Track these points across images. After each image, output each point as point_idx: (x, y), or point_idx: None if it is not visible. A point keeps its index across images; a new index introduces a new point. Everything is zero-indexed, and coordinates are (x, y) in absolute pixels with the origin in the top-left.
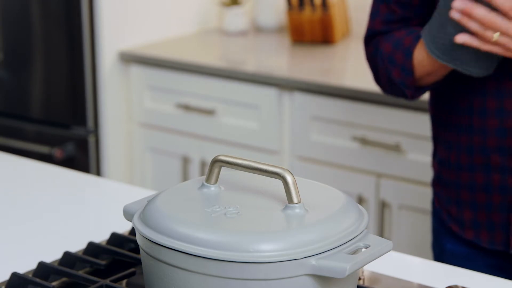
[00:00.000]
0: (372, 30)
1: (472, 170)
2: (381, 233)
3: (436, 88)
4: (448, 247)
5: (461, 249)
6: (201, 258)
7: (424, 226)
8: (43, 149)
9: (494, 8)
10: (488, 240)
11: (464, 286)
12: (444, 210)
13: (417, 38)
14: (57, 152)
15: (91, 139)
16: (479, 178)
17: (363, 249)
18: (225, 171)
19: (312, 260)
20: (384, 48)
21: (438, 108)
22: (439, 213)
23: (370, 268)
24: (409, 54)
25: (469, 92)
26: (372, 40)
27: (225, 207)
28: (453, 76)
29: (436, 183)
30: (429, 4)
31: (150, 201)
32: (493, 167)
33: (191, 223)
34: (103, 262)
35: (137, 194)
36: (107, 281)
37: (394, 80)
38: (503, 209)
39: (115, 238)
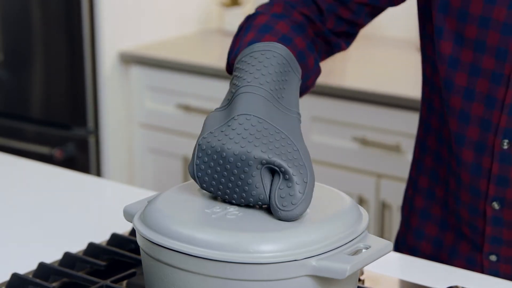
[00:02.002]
0: None
1: (444, 227)
2: (381, 234)
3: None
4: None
5: None
6: (201, 259)
7: None
8: (43, 149)
9: None
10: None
11: (464, 286)
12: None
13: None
14: (57, 153)
15: (91, 140)
16: (449, 238)
17: (364, 250)
18: None
19: (313, 261)
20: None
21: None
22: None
23: (371, 268)
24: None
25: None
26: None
27: (225, 208)
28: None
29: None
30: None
31: (150, 201)
32: (464, 236)
33: (191, 224)
34: (103, 263)
35: (138, 194)
36: (107, 282)
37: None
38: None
39: (115, 239)
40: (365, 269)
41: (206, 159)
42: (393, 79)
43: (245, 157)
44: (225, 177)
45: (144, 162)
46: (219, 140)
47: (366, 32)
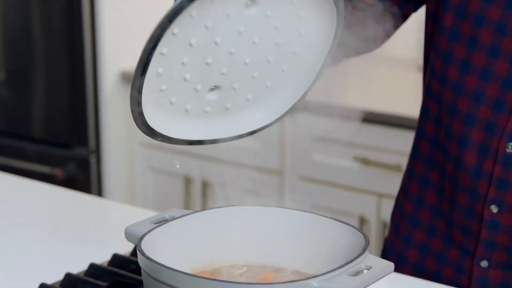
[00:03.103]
0: None
1: (432, 233)
2: None
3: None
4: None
5: None
6: (203, 280)
7: None
8: (45, 169)
9: None
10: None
11: None
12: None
13: None
14: (58, 172)
15: (93, 159)
16: (436, 244)
17: (365, 271)
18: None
19: (314, 282)
20: None
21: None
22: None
23: None
24: None
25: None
26: None
27: None
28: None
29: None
30: None
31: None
32: (454, 242)
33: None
34: (105, 284)
35: (139, 215)
36: None
37: None
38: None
39: (116, 259)
40: None
41: None
42: (394, 98)
43: None
44: None
45: (145, 182)
46: None
47: None
